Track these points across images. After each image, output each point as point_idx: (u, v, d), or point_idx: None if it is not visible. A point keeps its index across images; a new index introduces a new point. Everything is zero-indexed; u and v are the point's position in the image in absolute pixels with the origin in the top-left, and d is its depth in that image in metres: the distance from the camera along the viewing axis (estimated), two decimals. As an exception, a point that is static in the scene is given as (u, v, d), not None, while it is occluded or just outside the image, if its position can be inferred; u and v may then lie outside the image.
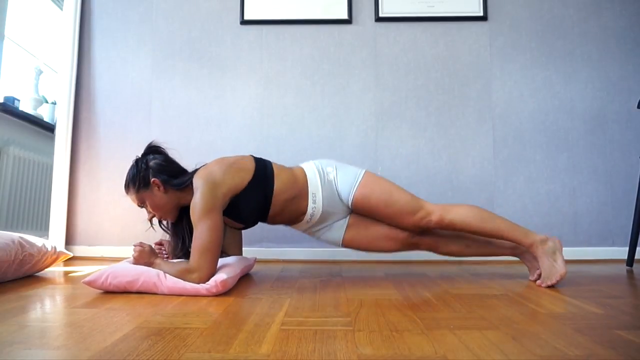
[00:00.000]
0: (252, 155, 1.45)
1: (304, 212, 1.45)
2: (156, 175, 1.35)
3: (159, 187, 1.35)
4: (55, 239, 2.07)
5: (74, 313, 0.97)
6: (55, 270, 1.68)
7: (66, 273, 1.62)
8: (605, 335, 0.79)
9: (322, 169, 1.46)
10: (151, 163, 1.37)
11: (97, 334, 0.80)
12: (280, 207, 1.41)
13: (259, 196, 1.37)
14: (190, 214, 1.24)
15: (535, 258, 1.37)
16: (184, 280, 1.18)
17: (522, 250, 1.46)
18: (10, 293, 1.21)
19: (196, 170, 1.37)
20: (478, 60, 2.18)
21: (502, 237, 1.38)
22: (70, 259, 1.98)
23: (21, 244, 1.42)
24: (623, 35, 2.17)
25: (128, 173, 1.39)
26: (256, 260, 1.71)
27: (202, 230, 1.20)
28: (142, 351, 0.70)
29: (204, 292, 1.16)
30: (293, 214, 1.45)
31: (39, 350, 0.72)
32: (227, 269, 1.27)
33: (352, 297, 1.16)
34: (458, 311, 0.99)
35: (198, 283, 1.17)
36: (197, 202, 1.23)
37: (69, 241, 2.16)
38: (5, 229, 2.30)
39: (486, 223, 1.37)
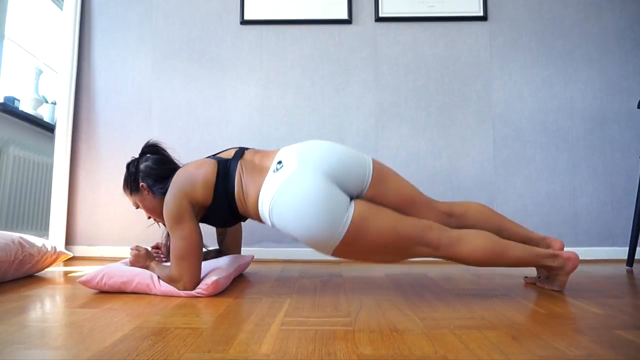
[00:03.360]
0: (215, 163, 1.27)
1: None
2: (144, 179, 1.34)
3: (147, 192, 1.35)
4: (55, 239, 2.07)
5: (73, 313, 0.97)
6: (55, 270, 1.68)
7: (66, 273, 1.62)
8: (605, 335, 0.79)
9: (278, 222, 1.17)
10: (141, 166, 1.36)
11: (97, 334, 0.80)
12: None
13: (225, 209, 1.27)
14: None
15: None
16: (172, 286, 1.18)
17: None
18: (10, 293, 1.21)
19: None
20: (478, 60, 2.18)
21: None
22: (70, 259, 1.98)
23: (21, 244, 1.42)
24: (623, 35, 2.17)
25: (124, 175, 1.40)
26: (253, 259, 1.70)
27: (176, 240, 1.18)
28: (142, 351, 0.70)
29: (196, 294, 1.16)
30: None
31: (39, 350, 0.72)
32: (219, 270, 1.26)
33: (352, 297, 1.16)
34: (458, 311, 0.99)
35: (183, 291, 1.16)
36: (166, 213, 1.20)
37: (69, 241, 2.16)
38: (5, 229, 2.30)
39: (495, 262, 1.18)
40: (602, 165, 2.12)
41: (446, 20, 2.19)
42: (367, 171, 1.21)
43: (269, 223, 1.20)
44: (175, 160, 1.43)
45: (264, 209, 1.18)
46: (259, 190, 1.19)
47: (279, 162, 1.20)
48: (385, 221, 1.13)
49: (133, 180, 1.36)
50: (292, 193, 1.12)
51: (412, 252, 1.15)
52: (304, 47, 2.20)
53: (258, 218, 1.24)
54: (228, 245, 1.63)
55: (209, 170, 1.24)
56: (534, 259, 1.20)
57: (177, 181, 1.24)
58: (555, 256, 1.20)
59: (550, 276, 1.26)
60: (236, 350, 0.71)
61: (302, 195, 1.10)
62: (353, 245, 1.12)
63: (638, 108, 1.87)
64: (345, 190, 1.16)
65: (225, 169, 1.26)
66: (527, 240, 1.29)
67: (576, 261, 1.20)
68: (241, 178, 1.24)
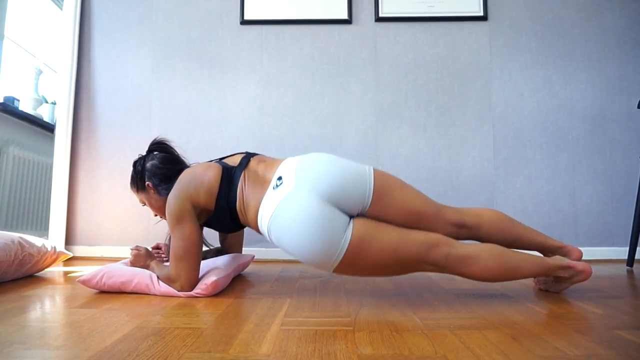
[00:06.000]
0: (220, 169, 1.23)
1: None
2: (150, 178, 1.34)
3: (153, 191, 1.35)
4: (55, 239, 2.07)
5: (73, 313, 0.97)
6: (55, 270, 1.68)
7: (66, 273, 1.62)
8: (606, 335, 0.79)
9: (275, 235, 1.13)
10: (148, 164, 1.36)
11: (97, 334, 0.80)
12: None
13: (227, 218, 1.26)
14: None
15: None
16: (170, 286, 1.18)
17: None
18: (10, 293, 1.21)
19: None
20: (478, 60, 2.18)
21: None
22: (70, 259, 1.98)
23: (21, 244, 1.42)
24: (623, 35, 2.17)
25: (131, 172, 1.40)
26: (253, 258, 1.70)
27: (175, 240, 1.18)
28: (142, 351, 0.70)
29: (195, 295, 1.16)
30: None
31: (39, 350, 0.72)
32: (218, 270, 1.26)
33: (352, 297, 1.16)
34: (458, 311, 0.99)
35: (180, 291, 1.16)
36: (168, 212, 1.20)
37: (69, 241, 2.15)
38: (5, 229, 2.30)
39: (503, 275, 1.12)
40: (602, 165, 2.12)
41: (446, 20, 2.19)
42: (368, 189, 1.12)
43: (268, 239, 1.16)
44: (182, 159, 1.42)
45: (263, 225, 1.15)
46: (259, 206, 1.16)
47: (279, 178, 1.15)
48: (386, 241, 1.07)
49: (139, 179, 1.36)
50: (288, 213, 1.08)
51: (417, 269, 1.11)
52: (304, 47, 2.20)
53: (258, 231, 1.22)
54: (230, 244, 1.63)
55: (213, 177, 1.21)
56: (546, 272, 1.15)
57: (181, 182, 1.23)
58: (568, 268, 1.16)
59: (555, 280, 1.23)
60: (236, 350, 0.71)
61: (299, 217, 1.06)
62: (353, 265, 1.08)
63: (638, 108, 1.87)
64: (344, 209, 1.10)
65: (229, 177, 1.23)
66: (544, 248, 1.25)
67: (589, 274, 1.15)
68: (243, 190, 1.21)
